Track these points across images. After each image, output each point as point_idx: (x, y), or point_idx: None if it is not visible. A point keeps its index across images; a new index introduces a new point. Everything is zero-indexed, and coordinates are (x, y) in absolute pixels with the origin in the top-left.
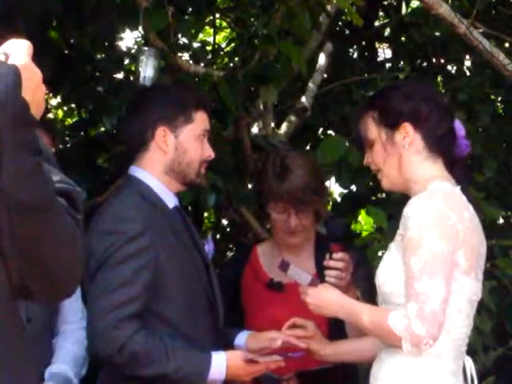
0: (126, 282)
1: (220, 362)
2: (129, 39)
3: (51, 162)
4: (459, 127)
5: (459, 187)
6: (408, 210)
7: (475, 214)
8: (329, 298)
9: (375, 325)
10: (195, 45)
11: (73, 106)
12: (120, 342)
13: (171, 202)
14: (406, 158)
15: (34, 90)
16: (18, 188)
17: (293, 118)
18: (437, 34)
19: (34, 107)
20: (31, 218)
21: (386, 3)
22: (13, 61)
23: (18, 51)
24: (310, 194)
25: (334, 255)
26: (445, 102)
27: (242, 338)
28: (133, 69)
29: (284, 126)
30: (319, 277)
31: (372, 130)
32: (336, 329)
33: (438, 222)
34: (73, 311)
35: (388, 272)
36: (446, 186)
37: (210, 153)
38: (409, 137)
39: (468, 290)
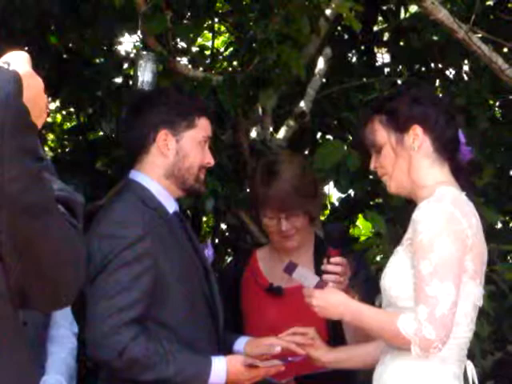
0: (126, 287)
1: (220, 367)
2: (127, 43)
3: (51, 170)
4: (460, 135)
5: (464, 193)
6: (418, 214)
7: (479, 221)
8: (335, 301)
9: (383, 328)
10: (194, 49)
11: (71, 110)
12: (120, 347)
13: (171, 206)
14: (416, 161)
15: (36, 97)
16: (18, 192)
17: (291, 122)
18: (435, 38)
19: (35, 115)
20: (31, 224)
21: (384, 8)
22: (13, 67)
23: (19, 61)
24: (298, 197)
25: (332, 259)
26: (451, 108)
27: (241, 343)
28: (132, 73)
29: (282, 131)
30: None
31: (381, 133)
32: (335, 335)
33: (449, 226)
34: (63, 315)
35: (395, 276)
36: (453, 191)
37: (209, 159)
38: (418, 139)
39: (473, 295)
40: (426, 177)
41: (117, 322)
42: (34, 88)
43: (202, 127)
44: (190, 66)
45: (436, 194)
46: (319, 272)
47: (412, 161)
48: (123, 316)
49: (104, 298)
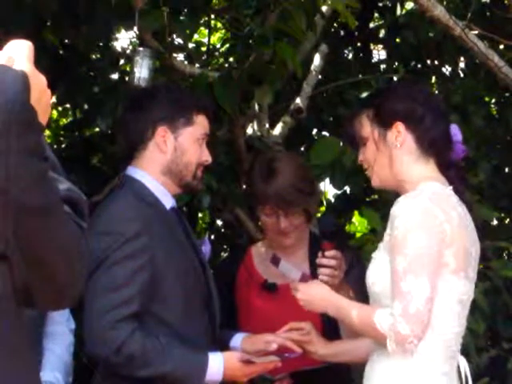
0: (122, 283)
1: (217, 363)
2: (124, 40)
3: (57, 169)
4: (455, 132)
5: (451, 188)
6: (395, 210)
7: (467, 214)
8: (318, 294)
9: (362, 322)
10: (190, 45)
11: (68, 106)
12: (117, 343)
13: (168, 202)
14: (398, 157)
15: (40, 95)
16: (24, 193)
17: (287, 118)
18: (431, 35)
19: (40, 113)
20: (36, 224)
21: (381, 5)
22: (18, 66)
23: (22, 56)
24: (297, 194)
25: (327, 253)
26: (441, 105)
27: (237, 340)
28: (128, 69)
29: (279, 127)
30: (313, 277)
31: (366, 127)
32: (330, 330)
33: (424, 221)
34: (60, 311)
35: (377, 272)
36: (434, 186)
37: (207, 157)
38: (401, 136)
39: (456, 289)
40: (409, 172)
41: (114, 318)
42: (37, 86)
43: (201, 124)
44: (186, 63)
45: (416, 189)
46: (314, 268)
47: (394, 157)
48: (120, 312)
49: (101, 293)
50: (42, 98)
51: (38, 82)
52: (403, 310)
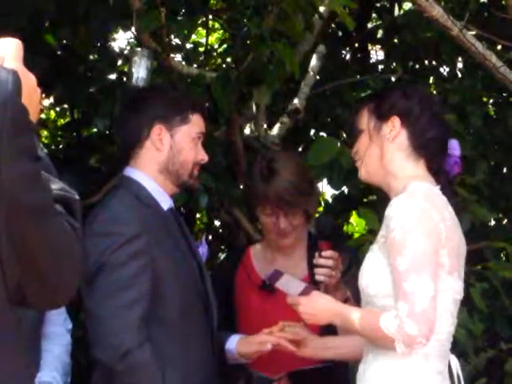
0: (127, 284)
1: None
2: (122, 40)
3: (50, 169)
4: (454, 147)
5: (439, 187)
6: (390, 211)
7: (454, 214)
8: (321, 306)
9: (368, 328)
10: (188, 46)
11: (65, 106)
12: (123, 349)
13: (166, 203)
14: (389, 151)
15: (30, 94)
16: (16, 193)
17: (285, 119)
18: (429, 35)
19: (31, 112)
20: (28, 224)
21: (378, 5)
22: (8, 65)
23: (10, 55)
24: (297, 195)
25: (324, 253)
26: (444, 116)
27: (232, 341)
28: (126, 70)
29: (276, 128)
30: (311, 278)
31: (364, 119)
32: (328, 331)
33: (421, 221)
34: (57, 312)
35: (372, 274)
36: (424, 186)
37: (203, 156)
38: (395, 131)
39: (452, 289)
40: (398, 168)
41: (119, 323)
42: (27, 85)
43: (196, 123)
44: (184, 63)
45: (408, 190)
46: (312, 268)
47: (384, 150)
48: (125, 315)
49: (106, 297)
50: (33, 96)
51: (28, 81)
52: (409, 310)
